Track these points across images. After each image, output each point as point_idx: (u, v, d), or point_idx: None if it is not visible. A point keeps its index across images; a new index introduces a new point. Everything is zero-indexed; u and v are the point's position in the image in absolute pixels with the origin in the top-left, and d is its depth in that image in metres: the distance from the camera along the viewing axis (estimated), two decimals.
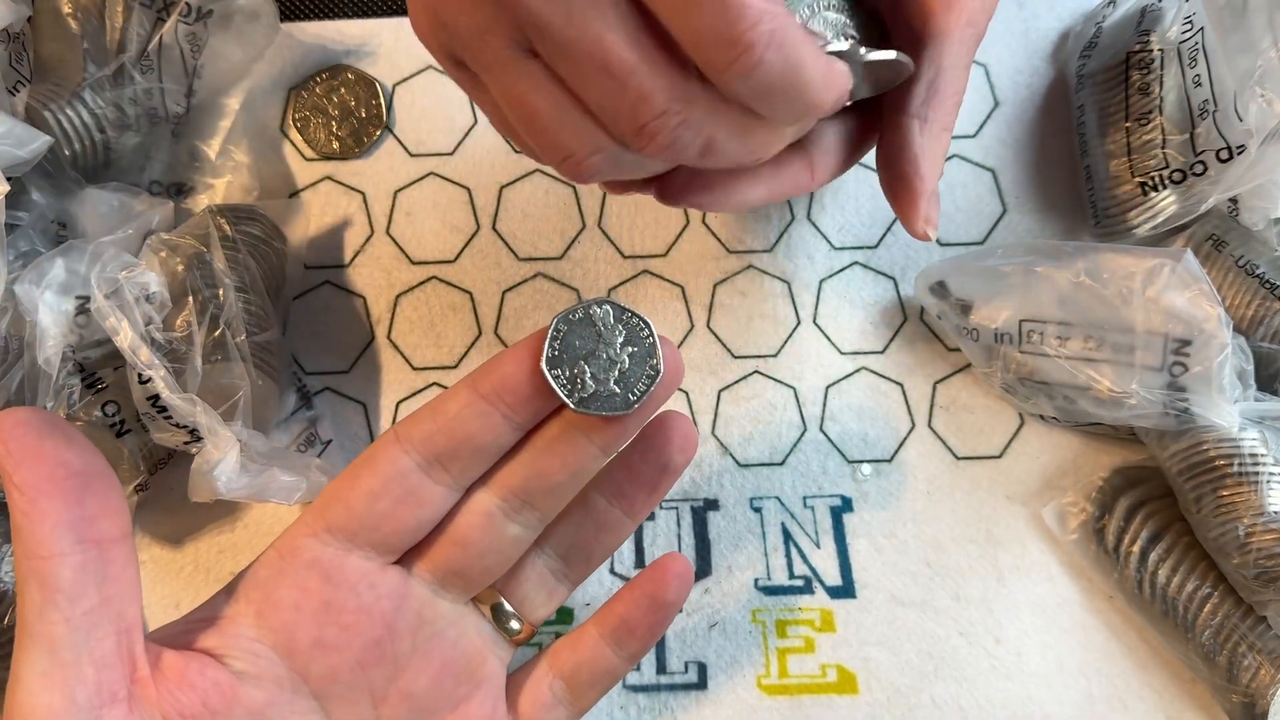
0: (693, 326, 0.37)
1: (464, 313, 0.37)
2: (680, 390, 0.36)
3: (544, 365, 0.21)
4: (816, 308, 0.37)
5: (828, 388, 0.36)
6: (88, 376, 0.29)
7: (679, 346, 0.36)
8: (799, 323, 0.37)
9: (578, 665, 0.25)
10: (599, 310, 0.21)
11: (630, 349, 0.21)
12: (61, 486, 0.18)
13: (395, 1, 0.38)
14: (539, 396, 0.22)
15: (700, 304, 0.37)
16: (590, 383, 0.21)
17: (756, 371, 0.37)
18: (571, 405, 0.21)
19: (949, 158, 0.38)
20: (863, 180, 0.38)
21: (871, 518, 0.34)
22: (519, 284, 0.37)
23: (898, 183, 0.23)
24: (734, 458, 0.35)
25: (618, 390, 0.21)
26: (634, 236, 0.38)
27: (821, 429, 0.36)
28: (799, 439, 0.36)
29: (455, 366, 0.36)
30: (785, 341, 0.37)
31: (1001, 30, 0.38)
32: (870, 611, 0.33)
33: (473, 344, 0.36)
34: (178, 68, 0.32)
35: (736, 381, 0.36)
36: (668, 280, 0.37)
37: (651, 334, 0.21)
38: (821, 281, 0.37)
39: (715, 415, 0.36)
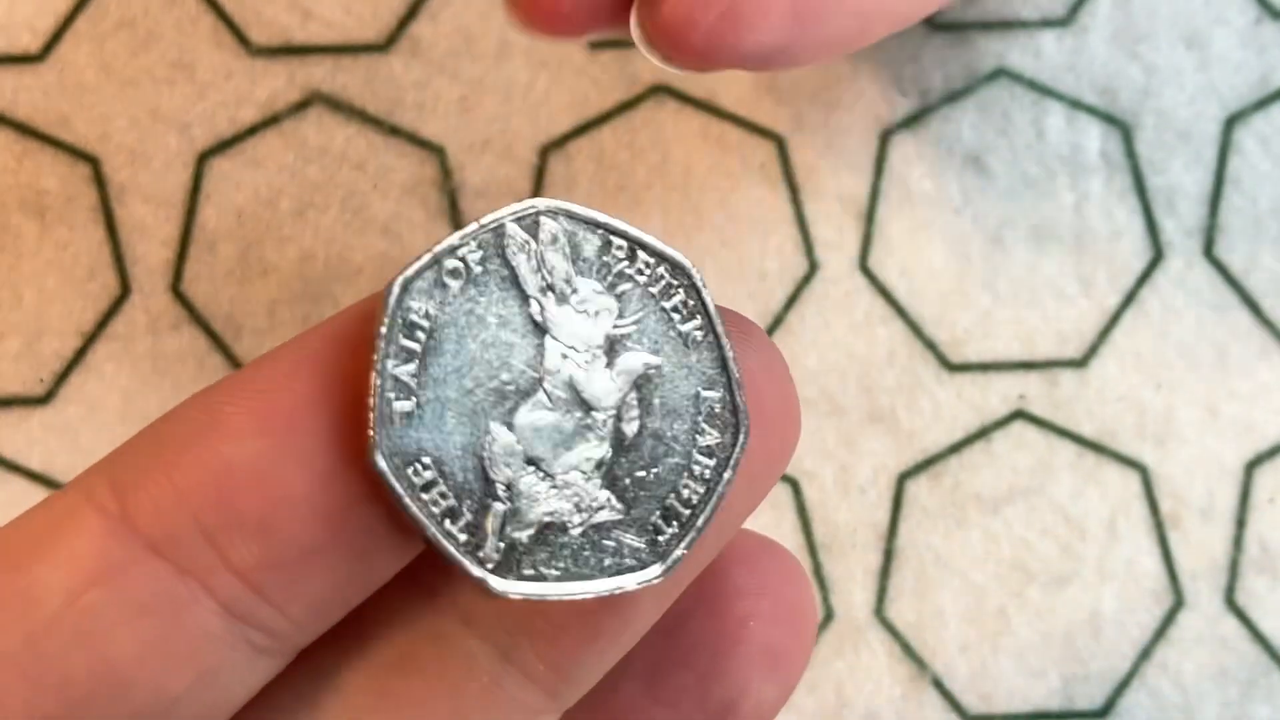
0: (815, 267, 0.26)
1: (79, 221, 0.26)
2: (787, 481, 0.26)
3: (378, 450, 0.13)
4: (1215, 208, 0.26)
5: (1250, 467, 0.25)
6: None
7: (771, 331, 0.25)
8: (1158, 256, 0.25)
9: None
10: (535, 231, 0.14)
11: (632, 358, 0.14)
12: None
13: None
14: (365, 537, 0.14)
15: (841, 200, 0.26)
16: (534, 492, 0.14)
17: (1020, 414, 0.25)
18: (476, 575, 0.14)
19: None
20: None
21: None
22: (250, 132, 0.26)
23: None
24: (946, 693, 0.25)
25: (616, 509, 0.14)
26: None
27: (1230, 602, 0.25)
28: (1163, 629, 0.25)
29: (46, 400, 0.27)
30: (1116, 315, 0.25)
31: None
32: None
33: (106, 318, 0.27)
34: None
35: (950, 451, 0.25)
36: (734, 117, 0.26)
37: (702, 305, 0.14)
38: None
39: (889, 553, 0.26)
